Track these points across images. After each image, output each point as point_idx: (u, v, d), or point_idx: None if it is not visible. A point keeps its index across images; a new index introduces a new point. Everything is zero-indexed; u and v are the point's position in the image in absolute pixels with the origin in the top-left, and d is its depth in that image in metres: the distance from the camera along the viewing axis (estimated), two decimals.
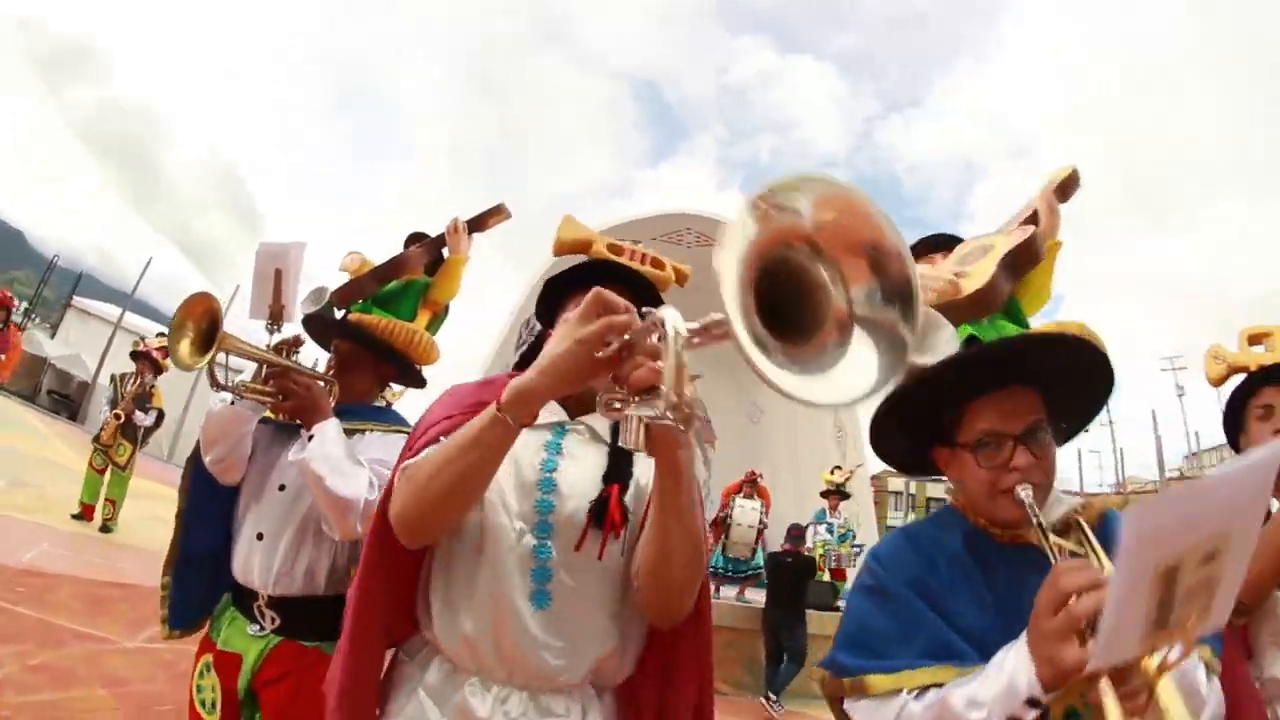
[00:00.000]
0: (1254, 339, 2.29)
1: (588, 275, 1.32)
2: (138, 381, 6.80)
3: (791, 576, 6.72)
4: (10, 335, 7.15)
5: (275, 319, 2.05)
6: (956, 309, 1.44)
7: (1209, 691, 1.03)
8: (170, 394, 9.27)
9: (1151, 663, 0.81)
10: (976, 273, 1.49)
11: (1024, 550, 1.15)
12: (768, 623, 6.69)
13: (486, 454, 1.05)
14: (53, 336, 25.41)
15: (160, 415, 6.98)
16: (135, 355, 6.90)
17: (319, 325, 2.15)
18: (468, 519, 1.18)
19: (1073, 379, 1.23)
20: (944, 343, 1.25)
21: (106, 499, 6.56)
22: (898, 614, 1.16)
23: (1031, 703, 0.90)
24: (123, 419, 6.57)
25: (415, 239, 2.39)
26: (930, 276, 1.47)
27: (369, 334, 2.08)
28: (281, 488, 1.96)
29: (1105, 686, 0.82)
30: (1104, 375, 1.25)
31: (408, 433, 2.02)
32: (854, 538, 8.03)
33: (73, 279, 28.95)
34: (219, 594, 2.07)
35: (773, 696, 6.19)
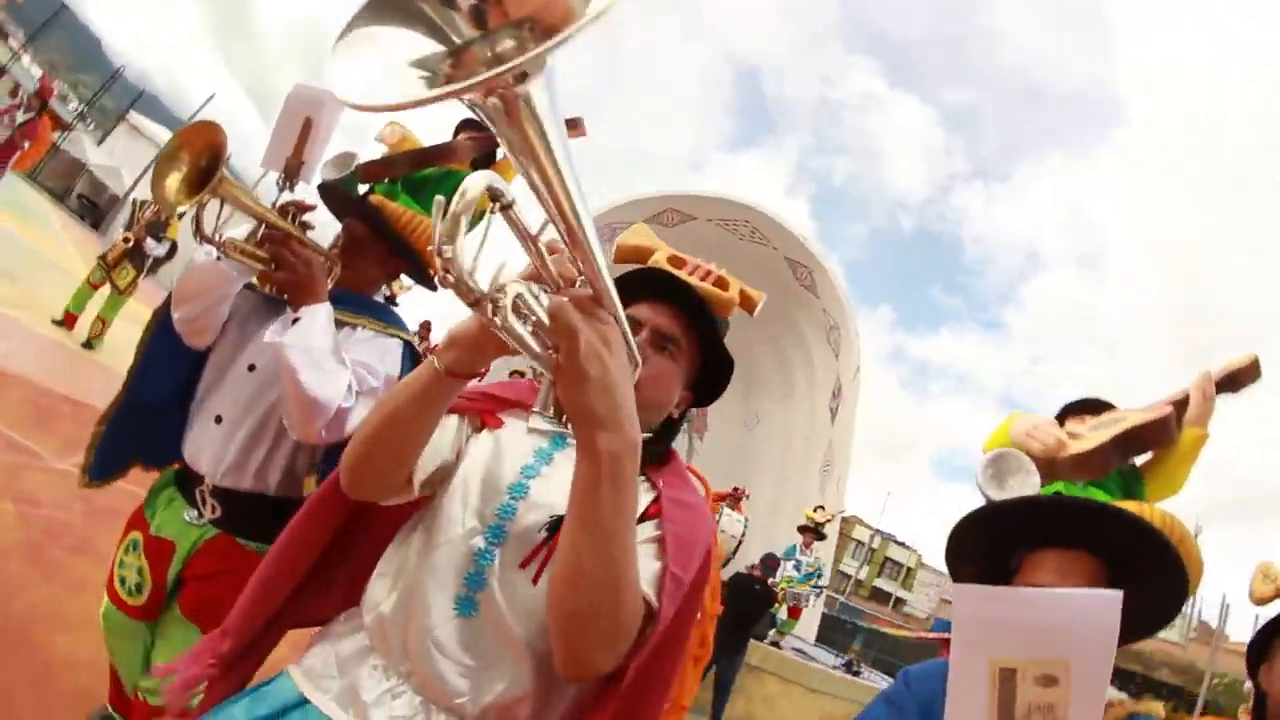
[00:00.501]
0: None
1: (640, 284, 1.21)
2: (156, 209, 6.53)
3: (752, 604, 6.55)
4: (41, 127, 6.91)
5: (290, 175, 1.76)
6: (1057, 466, 1.53)
7: None
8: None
9: None
10: (1089, 438, 1.53)
11: None
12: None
13: (413, 398, 0.97)
14: (99, 144, 25.36)
15: (173, 247, 6.74)
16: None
17: (336, 197, 1.86)
18: (439, 505, 1.08)
19: (1140, 566, 1.16)
20: (1019, 485, 1.38)
21: (98, 317, 6.37)
22: (903, 713, 1.20)
23: None
24: (131, 244, 6.38)
25: (468, 127, 2.01)
26: (1043, 430, 1.54)
27: (389, 222, 1.81)
28: (251, 368, 1.74)
29: None
30: (1173, 572, 1.17)
31: (404, 339, 1.84)
32: (819, 578, 7.86)
33: (134, 94, 28.87)
34: (150, 455, 1.92)
35: None
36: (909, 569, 42.09)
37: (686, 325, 1.18)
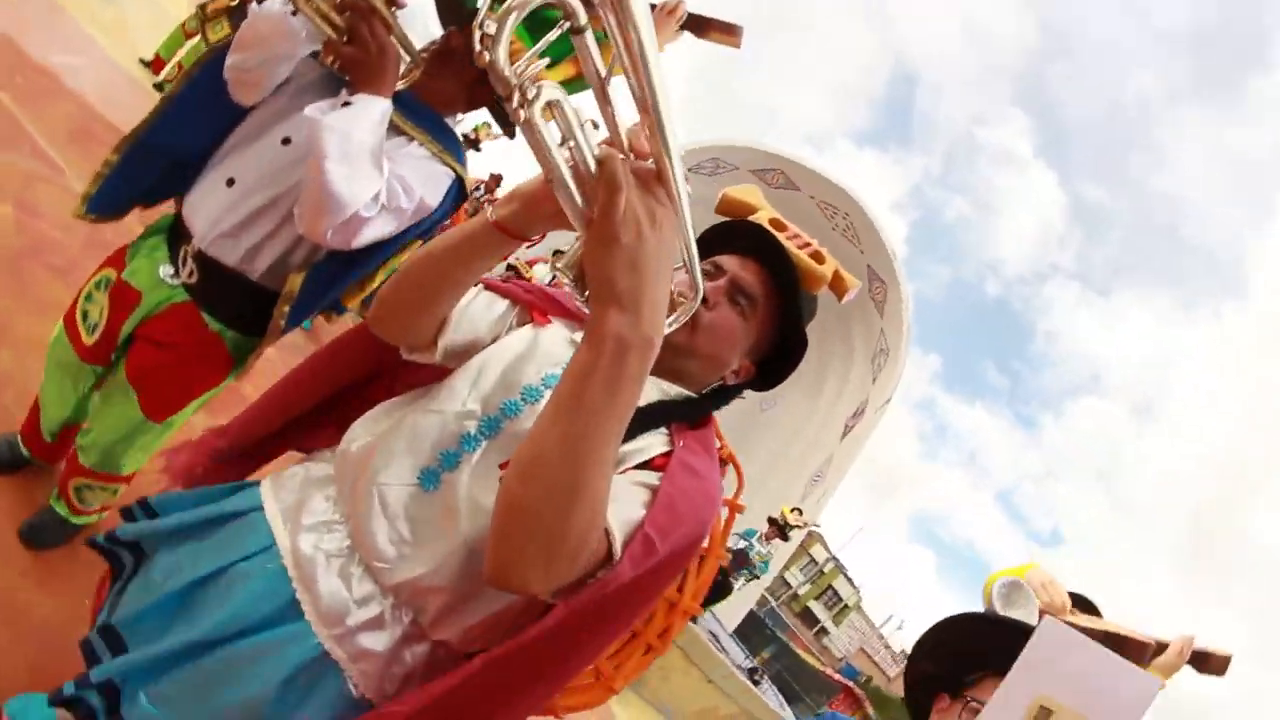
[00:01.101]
0: None
1: (734, 235, 1.14)
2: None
3: (711, 594, 6.50)
4: None
5: None
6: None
7: None
8: None
9: None
10: (1082, 619, 1.68)
11: None
12: None
13: (460, 240, 0.91)
14: None
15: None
16: None
17: (446, 2, 1.66)
18: (448, 378, 1.04)
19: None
20: (1021, 615, 1.49)
21: (178, 63, 6.02)
22: None
23: None
24: (236, 1, 6.13)
25: None
26: (1057, 588, 1.71)
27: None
28: (286, 141, 1.57)
29: None
30: None
31: (458, 172, 1.69)
32: (761, 573, 7.78)
33: None
34: (156, 197, 1.77)
35: None
36: (846, 605, 42.17)
37: (770, 288, 1.09)
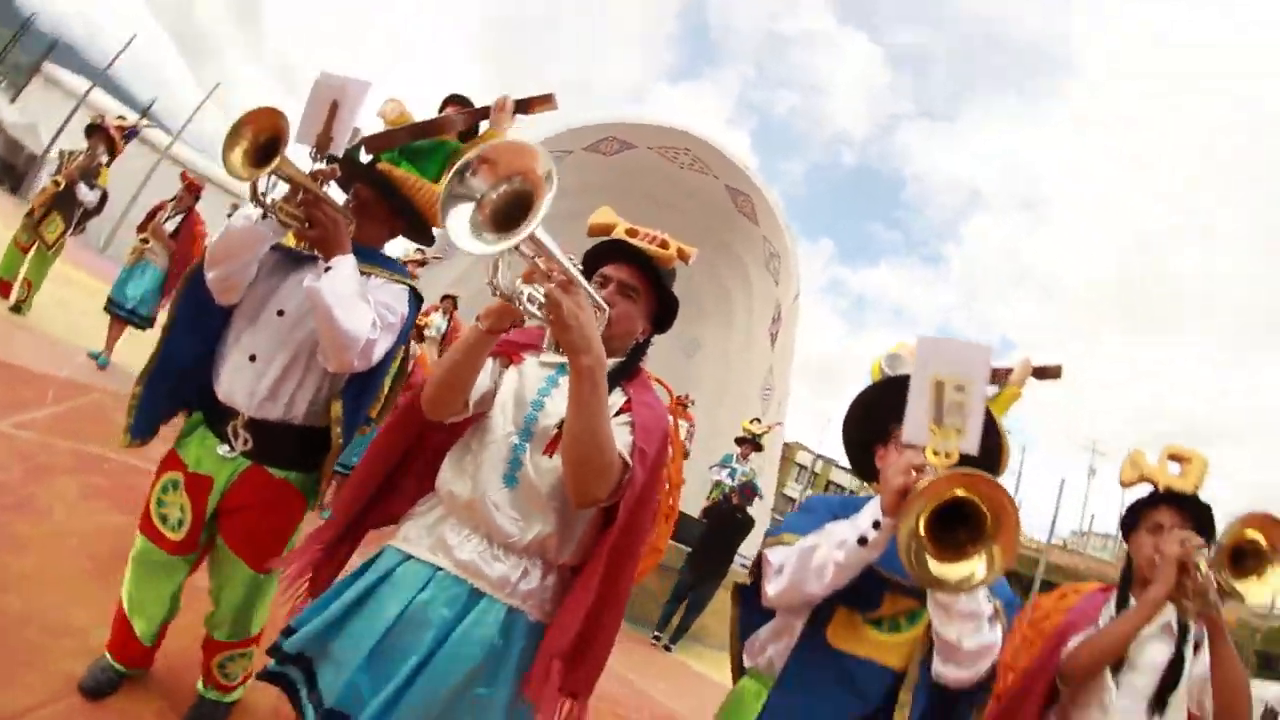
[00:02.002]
0: (1174, 458, 2.50)
1: (608, 251, 1.74)
2: (88, 154, 6.22)
3: (734, 532, 6.95)
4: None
5: (321, 149, 1.95)
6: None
7: (989, 628, 1.48)
8: (119, 184, 8.79)
9: (939, 459, 1.34)
10: (874, 369, 2.39)
11: None
12: (693, 565, 6.81)
13: (468, 348, 1.47)
14: (12, 101, 24.02)
15: (104, 196, 6.39)
16: (91, 129, 6.36)
17: (346, 165, 2.08)
18: (487, 418, 1.60)
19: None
20: (903, 370, 1.92)
21: (25, 279, 6.05)
22: (813, 514, 1.68)
23: (875, 525, 1.42)
24: (62, 187, 5.99)
25: (454, 101, 2.48)
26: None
27: (395, 186, 2.10)
28: (280, 313, 1.97)
29: (925, 472, 1.34)
30: (992, 433, 1.62)
31: (409, 285, 2.17)
32: (755, 490, 8.10)
33: (47, 44, 27.35)
34: (177, 408, 2.14)
35: (661, 636, 6.49)
36: (852, 491, 43.55)
37: (641, 276, 1.70)
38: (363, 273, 1.97)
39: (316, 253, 1.96)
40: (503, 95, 2.27)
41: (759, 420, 8.69)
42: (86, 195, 6.15)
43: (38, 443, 3.53)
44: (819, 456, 41.16)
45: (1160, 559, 1.99)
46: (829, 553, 1.49)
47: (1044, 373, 2.63)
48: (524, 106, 2.32)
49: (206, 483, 1.96)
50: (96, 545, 2.84)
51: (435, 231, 2.27)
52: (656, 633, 6.58)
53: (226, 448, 1.96)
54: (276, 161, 1.73)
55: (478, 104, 2.38)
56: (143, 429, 2.08)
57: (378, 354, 1.97)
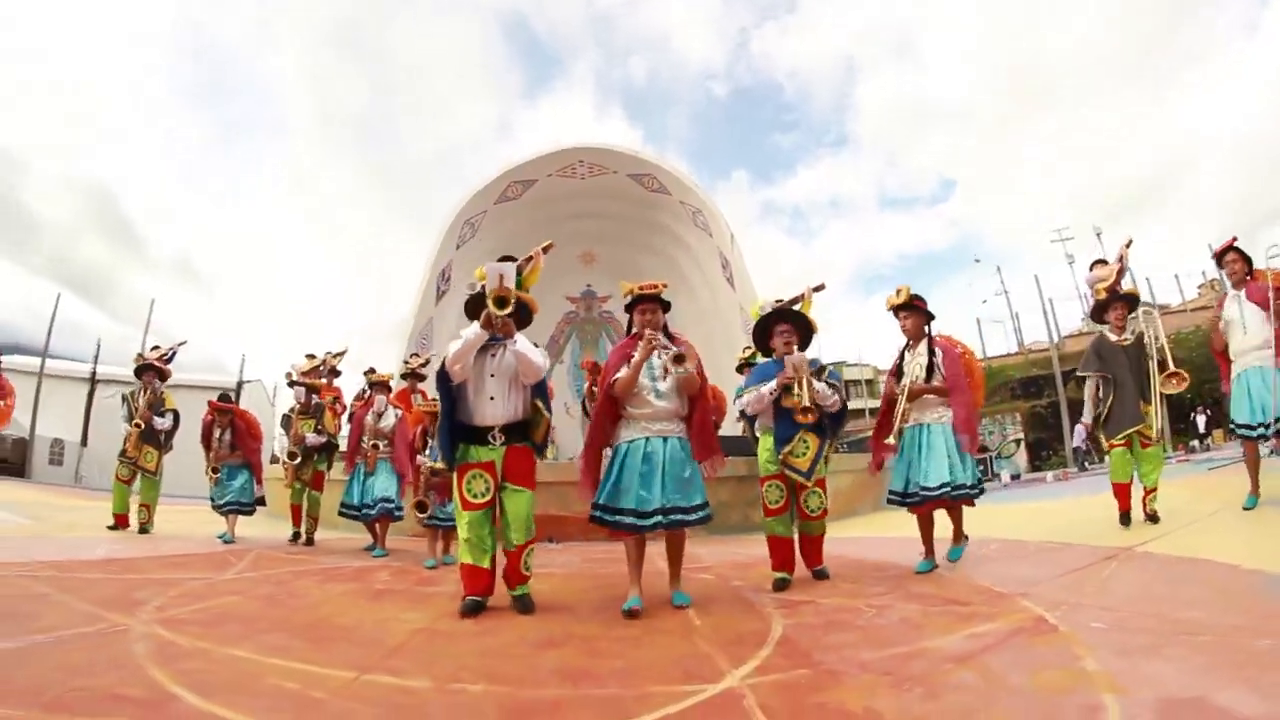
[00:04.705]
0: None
1: (633, 302, 3.99)
2: (148, 391, 7.12)
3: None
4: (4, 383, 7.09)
5: (506, 299, 3.58)
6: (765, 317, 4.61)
7: (832, 392, 4.26)
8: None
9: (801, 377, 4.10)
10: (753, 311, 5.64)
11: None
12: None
13: (635, 376, 3.75)
14: None
15: (176, 416, 7.28)
16: (140, 370, 7.22)
17: (476, 300, 3.84)
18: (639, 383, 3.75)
19: (798, 325, 4.48)
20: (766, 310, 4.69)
21: (142, 504, 7.01)
22: (754, 376, 4.53)
23: (772, 391, 4.21)
24: (143, 427, 6.92)
25: (509, 258, 4.02)
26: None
27: (525, 303, 3.85)
28: (492, 375, 3.75)
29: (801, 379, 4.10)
30: (801, 323, 4.51)
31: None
32: None
33: None
34: (456, 443, 3.75)
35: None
36: (869, 380, 45.29)
37: (650, 304, 3.90)
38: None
39: (501, 336, 3.74)
40: (539, 247, 4.11)
41: (749, 348, 9.86)
42: (162, 424, 7.20)
43: (270, 576, 4.51)
44: (829, 364, 42.38)
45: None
46: (760, 397, 4.25)
47: (818, 290, 5.12)
48: (545, 250, 4.14)
49: (491, 465, 3.70)
50: (364, 594, 4.04)
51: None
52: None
53: (491, 446, 3.69)
54: (510, 308, 3.57)
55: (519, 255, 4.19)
56: (450, 458, 3.78)
57: (546, 371, 3.90)
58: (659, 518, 3.48)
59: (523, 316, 3.88)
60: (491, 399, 3.71)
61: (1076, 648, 2.34)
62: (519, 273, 3.83)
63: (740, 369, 9.30)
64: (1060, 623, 2.67)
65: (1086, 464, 17.64)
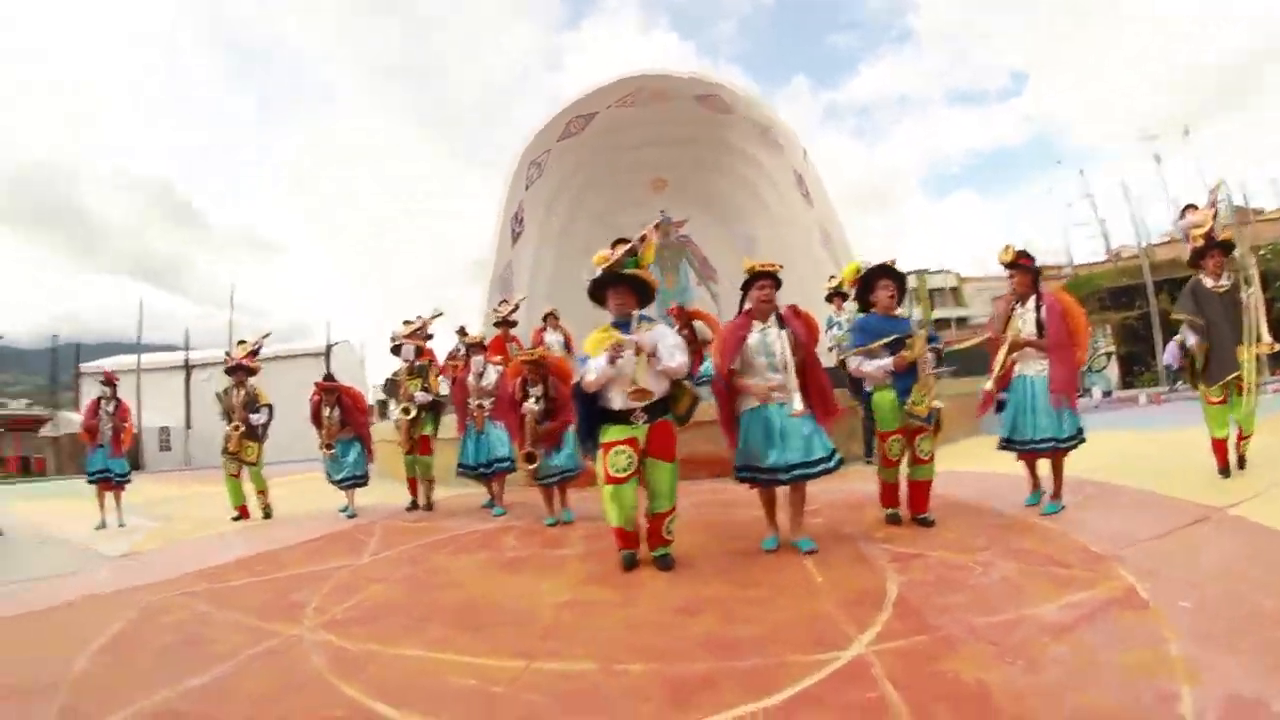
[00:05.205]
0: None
1: (606, 281, 4.02)
2: (240, 391, 7.36)
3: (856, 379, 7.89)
4: (124, 408, 7.75)
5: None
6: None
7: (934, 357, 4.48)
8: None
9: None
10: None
11: None
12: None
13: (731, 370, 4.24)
14: (78, 409, 26.53)
15: (270, 409, 7.54)
16: (230, 370, 7.42)
17: (599, 285, 4.10)
18: (751, 360, 4.12)
19: (898, 278, 4.62)
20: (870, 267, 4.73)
21: (258, 491, 7.38)
22: (863, 332, 4.51)
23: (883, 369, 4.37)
24: (243, 428, 7.27)
25: (623, 240, 4.14)
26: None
27: (647, 281, 4.06)
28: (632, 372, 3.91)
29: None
30: (896, 276, 4.61)
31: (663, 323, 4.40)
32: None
33: (73, 354, 29.44)
34: (593, 427, 3.98)
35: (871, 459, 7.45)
36: (954, 289, 43.71)
37: (771, 284, 4.24)
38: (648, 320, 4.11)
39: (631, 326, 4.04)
40: (651, 224, 4.27)
41: (834, 276, 9.46)
42: (259, 419, 7.44)
43: (404, 554, 4.74)
44: (909, 272, 40.84)
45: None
46: (875, 368, 4.36)
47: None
48: (658, 228, 4.37)
49: (634, 440, 3.87)
50: (498, 565, 4.28)
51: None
52: (867, 458, 7.57)
53: (635, 424, 3.85)
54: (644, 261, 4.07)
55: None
56: (585, 439, 4.06)
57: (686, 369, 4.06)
58: (788, 473, 3.96)
59: (646, 295, 4.05)
60: (634, 383, 3.82)
61: (1164, 629, 2.48)
62: (634, 253, 4.00)
63: (829, 298, 9.09)
64: (1150, 597, 2.79)
65: (1179, 383, 16.87)
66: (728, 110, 13.81)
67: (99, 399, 7.69)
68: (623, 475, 3.80)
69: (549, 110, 13.98)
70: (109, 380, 7.73)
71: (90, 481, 7.46)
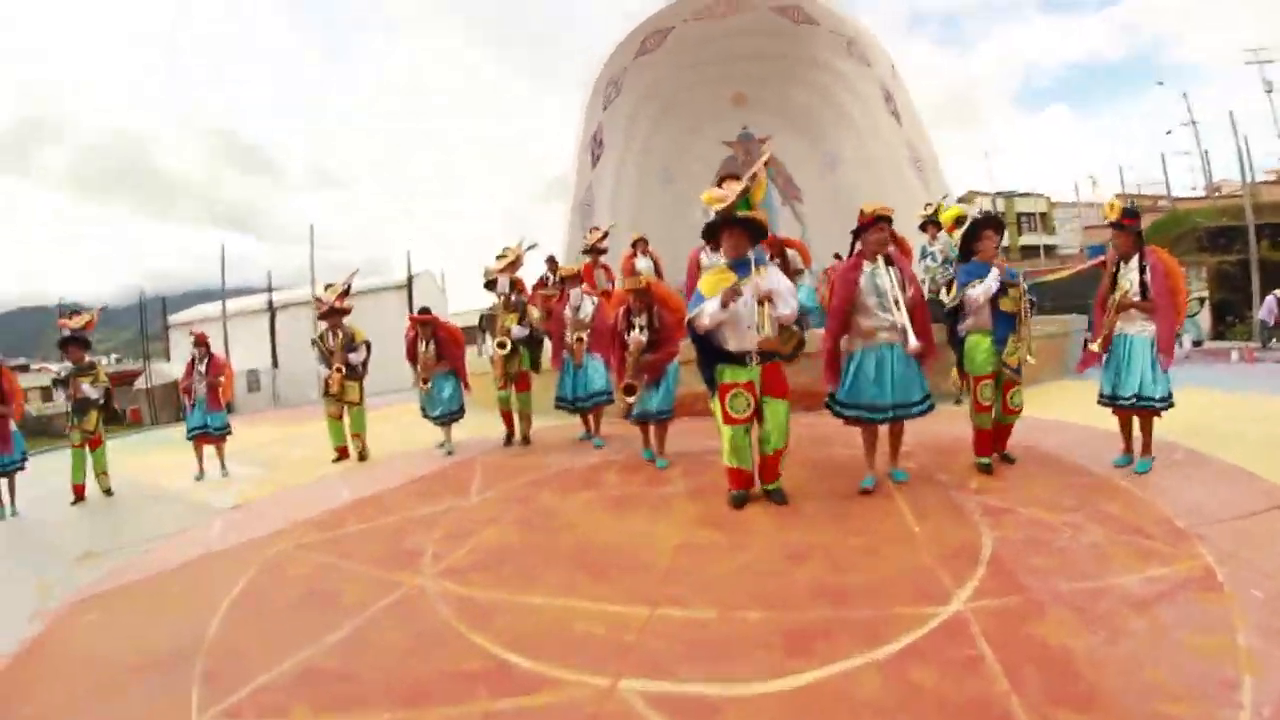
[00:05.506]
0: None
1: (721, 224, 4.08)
2: (336, 335, 7.27)
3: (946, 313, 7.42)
4: (217, 362, 7.72)
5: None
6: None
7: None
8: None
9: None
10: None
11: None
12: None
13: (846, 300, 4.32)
14: (168, 360, 27.65)
15: (368, 346, 7.45)
16: (324, 315, 7.34)
17: (712, 227, 4.26)
18: (863, 300, 4.16)
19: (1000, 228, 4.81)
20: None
21: (353, 435, 7.32)
22: (968, 274, 4.54)
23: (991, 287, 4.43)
24: (345, 371, 7.19)
25: (733, 176, 4.32)
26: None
27: (759, 221, 4.15)
28: (744, 311, 3.99)
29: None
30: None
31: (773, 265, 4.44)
32: (954, 255, 8.20)
33: (159, 306, 30.42)
34: (713, 363, 4.10)
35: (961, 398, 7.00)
36: (1043, 214, 41.35)
37: (885, 228, 4.26)
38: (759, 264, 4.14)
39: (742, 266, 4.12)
40: (759, 164, 4.30)
41: (929, 204, 8.88)
42: (358, 358, 7.38)
43: (510, 493, 4.84)
44: (996, 195, 38.59)
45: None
46: (981, 293, 4.37)
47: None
48: (767, 164, 4.42)
49: (751, 384, 4.03)
50: (605, 504, 4.30)
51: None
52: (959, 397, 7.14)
53: (748, 367, 4.01)
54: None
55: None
56: (709, 377, 4.15)
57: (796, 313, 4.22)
58: (889, 412, 4.18)
59: (758, 233, 4.14)
60: (748, 328, 3.97)
61: (1235, 617, 2.45)
62: (746, 193, 4.09)
63: (923, 226, 8.58)
64: (1226, 581, 2.75)
65: (1274, 340, 15.74)
66: (810, 21, 12.99)
67: (192, 359, 7.70)
68: (742, 416, 3.99)
69: (625, 25, 13.50)
70: (200, 341, 7.72)
71: (189, 438, 7.48)
